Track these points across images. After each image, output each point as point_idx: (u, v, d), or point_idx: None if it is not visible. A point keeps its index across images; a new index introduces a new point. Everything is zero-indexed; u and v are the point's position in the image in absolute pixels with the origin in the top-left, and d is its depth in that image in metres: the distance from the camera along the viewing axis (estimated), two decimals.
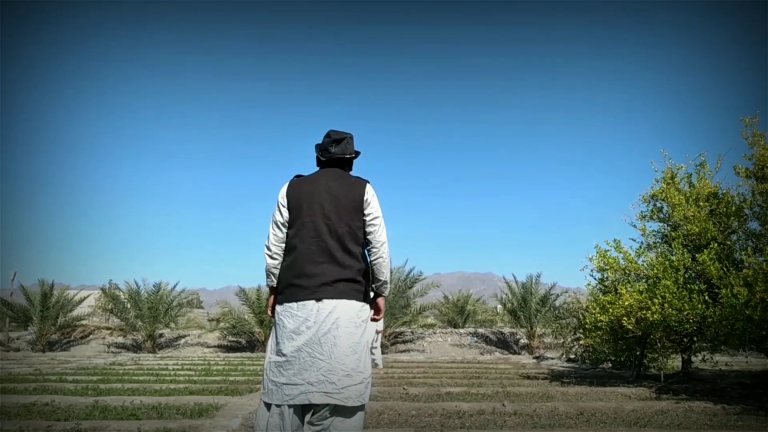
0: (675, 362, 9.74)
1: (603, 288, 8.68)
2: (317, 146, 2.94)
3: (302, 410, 2.60)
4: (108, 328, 18.50)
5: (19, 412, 5.08)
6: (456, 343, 16.63)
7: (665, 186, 8.31)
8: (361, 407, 2.60)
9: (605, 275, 8.50)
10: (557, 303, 15.79)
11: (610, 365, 10.08)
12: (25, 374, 8.72)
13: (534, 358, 13.86)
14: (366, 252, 2.83)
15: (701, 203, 7.95)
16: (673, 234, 8.10)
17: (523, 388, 7.31)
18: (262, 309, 15.66)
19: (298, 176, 2.88)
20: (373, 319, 2.86)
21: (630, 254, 8.16)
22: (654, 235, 8.69)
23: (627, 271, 8.07)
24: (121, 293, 17.67)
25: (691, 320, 7.16)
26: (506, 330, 17.69)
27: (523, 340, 16.55)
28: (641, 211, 8.75)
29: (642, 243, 8.67)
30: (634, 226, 8.77)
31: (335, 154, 2.86)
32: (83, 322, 18.86)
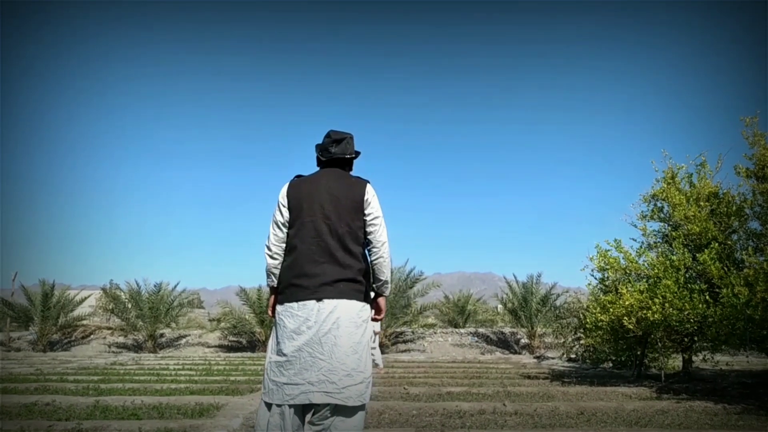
0: (676, 362, 9.73)
1: (604, 288, 8.68)
2: (317, 146, 2.94)
3: (303, 410, 2.60)
4: (109, 328, 18.50)
5: (20, 411, 5.09)
6: (457, 342, 16.61)
7: (666, 186, 8.31)
8: (362, 407, 2.60)
9: (606, 275, 8.50)
10: (558, 303, 15.78)
11: (610, 365, 10.09)
12: (26, 374, 8.73)
13: (535, 357, 13.86)
14: (366, 252, 2.83)
15: (702, 203, 7.94)
16: (673, 234, 8.10)
17: (523, 387, 7.31)
18: (263, 309, 15.65)
19: (298, 176, 2.88)
20: (374, 319, 2.86)
21: (630, 254, 8.16)
22: (655, 235, 8.69)
23: (628, 271, 8.07)
24: (122, 293, 17.70)
25: (691, 320, 7.15)
26: (507, 330, 17.67)
27: (524, 340, 16.54)
28: (642, 211, 8.75)
29: (643, 243, 8.67)
30: (635, 226, 8.78)
31: (335, 154, 2.86)
32: (84, 322, 18.85)
